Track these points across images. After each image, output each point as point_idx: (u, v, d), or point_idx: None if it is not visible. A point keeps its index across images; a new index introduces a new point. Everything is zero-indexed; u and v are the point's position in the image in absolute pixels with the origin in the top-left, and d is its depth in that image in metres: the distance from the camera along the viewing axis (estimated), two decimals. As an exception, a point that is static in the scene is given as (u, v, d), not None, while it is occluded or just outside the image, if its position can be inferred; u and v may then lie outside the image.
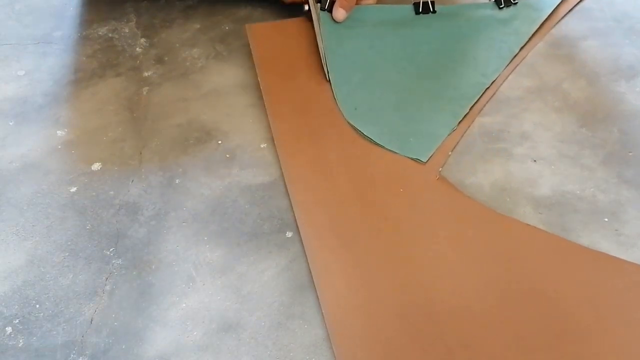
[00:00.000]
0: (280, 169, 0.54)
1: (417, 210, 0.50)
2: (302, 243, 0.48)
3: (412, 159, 0.54)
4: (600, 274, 0.46)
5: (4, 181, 0.54)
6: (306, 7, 0.63)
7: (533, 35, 0.66)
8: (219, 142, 0.57)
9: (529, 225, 0.49)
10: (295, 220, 0.49)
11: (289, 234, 0.49)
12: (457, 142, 0.55)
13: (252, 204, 0.51)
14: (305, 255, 0.47)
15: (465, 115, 0.58)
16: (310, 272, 0.46)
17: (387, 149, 0.54)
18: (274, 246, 0.48)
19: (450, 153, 0.55)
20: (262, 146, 0.56)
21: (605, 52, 0.65)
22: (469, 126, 0.57)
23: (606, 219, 0.49)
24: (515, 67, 0.63)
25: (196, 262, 0.47)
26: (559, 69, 0.63)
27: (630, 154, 0.54)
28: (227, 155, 0.55)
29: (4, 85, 0.63)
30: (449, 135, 0.56)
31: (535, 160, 0.54)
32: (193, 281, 0.46)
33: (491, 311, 0.43)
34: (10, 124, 0.59)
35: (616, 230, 0.49)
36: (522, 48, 0.65)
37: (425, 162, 0.53)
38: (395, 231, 0.48)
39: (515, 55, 0.64)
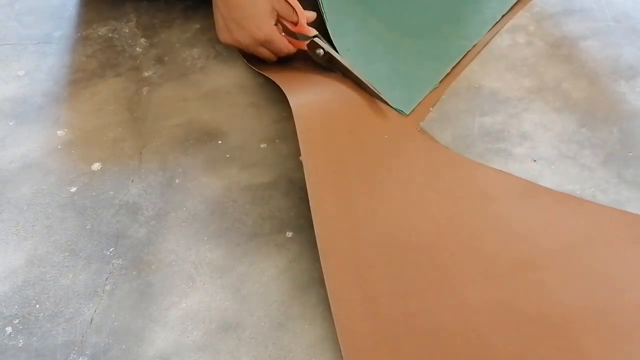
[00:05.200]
0: (280, 169, 0.54)
1: (398, 156, 0.54)
2: (302, 243, 0.48)
3: (395, 109, 0.57)
4: (566, 212, 0.49)
5: (4, 181, 0.54)
6: (321, 52, 0.58)
7: (515, 4, 0.70)
8: (219, 142, 0.57)
9: (501, 171, 0.52)
10: (294, 219, 0.49)
11: (289, 234, 0.49)
12: (438, 99, 0.60)
13: (252, 204, 0.51)
14: (305, 256, 0.47)
15: (446, 75, 0.62)
16: (309, 272, 0.46)
17: (373, 91, 0.57)
18: (274, 246, 0.48)
19: (431, 109, 0.58)
20: (262, 146, 0.56)
21: (605, 52, 0.65)
22: (449, 85, 0.61)
23: (606, 219, 0.49)
24: (514, 66, 0.63)
25: (196, 262, 0.47)
26: (559, 69, 0.63)
27: (630, 154, 0.54)
28: (227, 155, 0.55)
29: (4, 85, 0.63)
30: (430, 92, 0.60)
31: (535, 160, 0.54)
32: (193, 281, 0.46)
33: (464, 245, 0.47)
34: (10, 124, 0.59)
35: (616, 230, 0.49)
36: (503, 16, 0.69)
37: (408, 115, 0.58)
38: (378, 174, 0.51)
39: (496, 22, 0.68)
